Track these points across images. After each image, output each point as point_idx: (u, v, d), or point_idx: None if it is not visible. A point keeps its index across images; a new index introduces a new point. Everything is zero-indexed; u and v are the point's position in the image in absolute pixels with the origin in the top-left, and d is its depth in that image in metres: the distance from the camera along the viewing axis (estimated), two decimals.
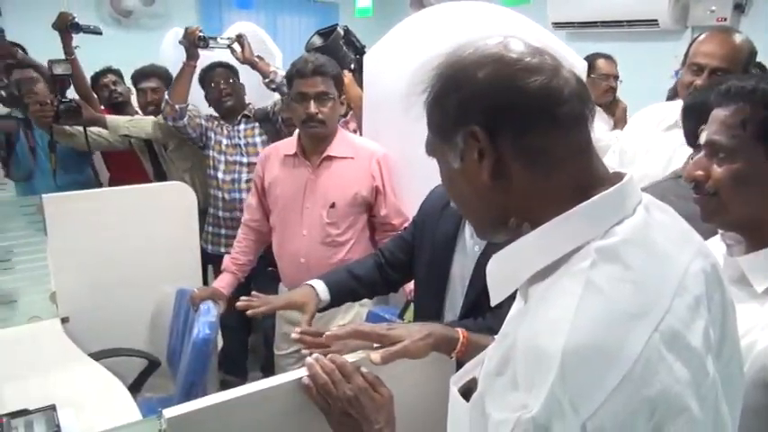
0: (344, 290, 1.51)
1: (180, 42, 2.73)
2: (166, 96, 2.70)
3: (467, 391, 0.75)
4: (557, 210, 0.64)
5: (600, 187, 0.65)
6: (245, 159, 2.70)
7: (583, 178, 0.66)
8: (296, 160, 2.02)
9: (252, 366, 3.20)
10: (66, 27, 2.77)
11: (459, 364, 1.12)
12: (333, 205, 1.96)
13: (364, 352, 1.04)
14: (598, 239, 0.62)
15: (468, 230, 1.38)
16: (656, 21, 4.05)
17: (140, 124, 2.91)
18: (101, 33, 2.93)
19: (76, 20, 2.78)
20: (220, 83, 2.75)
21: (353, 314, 2.00)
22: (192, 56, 2.68)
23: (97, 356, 1.99)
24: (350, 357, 1.03)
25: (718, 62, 1.82)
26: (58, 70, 2.61)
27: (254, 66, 2.67)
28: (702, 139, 0.97)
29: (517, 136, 0.65)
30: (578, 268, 0.60)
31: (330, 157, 1.98)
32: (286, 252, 2.06)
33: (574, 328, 0.56)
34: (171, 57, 3.37)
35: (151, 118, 2.93)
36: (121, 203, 2.27)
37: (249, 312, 1.37)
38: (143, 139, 2.98)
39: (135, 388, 2.11)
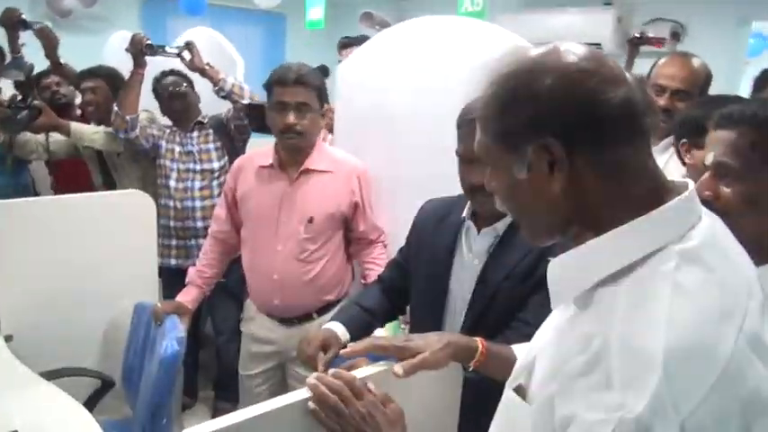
0: (362, 326, 1.44)
1: (126, 50, 2.62)
2: (116, 108, 2.58)
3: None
4: (627, 218, 0.65)
5: (667, 193, 0.66)
6: (197, 167, 2.63)
7: (654, 187, 0.67)
8: (272, 172, 1.94)
9: (203, 384, 3.07)
10: (12, 24, 2.61)
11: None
12: (311, 220, 1.89)
13: (385, 364, 1.00)
14: (677, 243, 0.63)
15: (465, 244, 1.36)
16: (599, 44, 4.24)
17: (105, 138, 2.73)
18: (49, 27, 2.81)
19: (23, 16, 2.62)
20: (169, 89, 2.67)
21: None
22: (139, 64, 2.58)
23: (47, 377, 1.84)
24: (356, 373, 0.99)
25: (678, 84, 2.00)
26: (11, 77, 2.47)
27: (203, 73, 2.60)
28: (709, 160, 1.00)
29: (597, 150, 0.65)
30: (663, 270, 0.61)
31: (309, 170, 1.91)
32: (258, 267, 1.97)
33: (670, 328, 0.57)
34: (115, 61, 3.25)
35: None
36: (73, 212, 2.13)
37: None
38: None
39: (87, 409, 1.97)
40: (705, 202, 0.98)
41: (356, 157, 2.01)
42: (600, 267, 0.65)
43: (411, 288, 1.49)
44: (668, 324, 0.57)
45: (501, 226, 1.31)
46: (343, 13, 5.68)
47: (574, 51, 0.67)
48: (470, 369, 1.06)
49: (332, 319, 1.42)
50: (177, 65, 2.71)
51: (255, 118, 2.45)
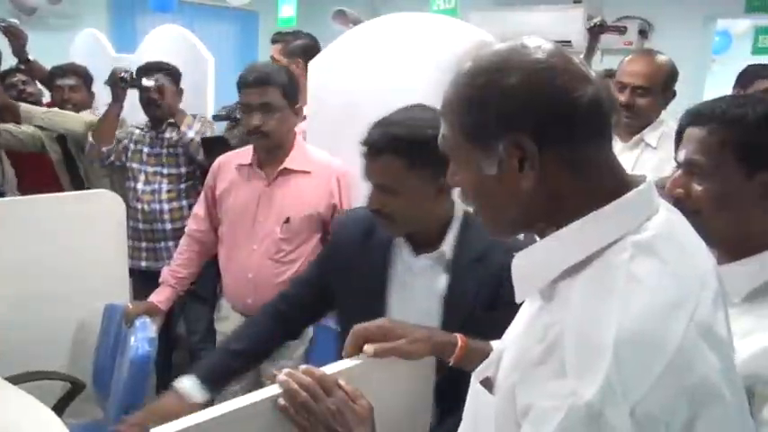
0: (224, 374, 1.30)
1: (105, 83, 2.60)
2: (91, 138, 2.58)
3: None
4: (589, 212, 0.66)
5: (629, 188, 0.67)
6: (165, 170, 2.59)
7: (616, 182, 0.68)
8: (250, 171, 1.93)
9: None
10: None
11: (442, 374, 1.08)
12: (287, 220, 1.87)
13: (356, 359, 1.00)
14: (632, 234, 0.64)
15: (400, 263, 1.29)
16: (569, 42, 4.30)
17: (58, 118, 2.70)
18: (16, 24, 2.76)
19: None
20: (146, 96, 2.61)
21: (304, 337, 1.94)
22: (116, 97, 2.54)
23: (14, 381, 1.80)
24: (326, 368, 0.99)
25: (639, 80, 2.04)
26: None
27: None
28: (680, 157, 1.01)
29: (567, 147, 0.66)
30: (618, 261, 0.63)
31: (287, 170, 1.90)
32: (233, 266, 1.96)
33: (623, 317, 0.59)
34: (82, 60, 3.21)
35: (74, 115, 2.74)
36: (40, 212, 2.08)
37: None
38: (58, 142, 2.79)
39: (56, 413, 1.93)
40: (676, 200, 1.00)
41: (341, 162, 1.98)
42: (561, 260, 0.67)
43: (339, 311, 1.40)
44: (620, 313, 0.59)
45: (447, 251, 1.25)
46: (315, 11, 5.66)
47: (540, 47, 0.67)
48: (450, 364, 1.05)
49: (185, 376, 1.27)
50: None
51: (212, 151, 2.38)
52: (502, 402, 0.67)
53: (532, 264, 0.71)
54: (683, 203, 0.99)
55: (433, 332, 1.06)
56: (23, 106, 2.71)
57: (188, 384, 1.25)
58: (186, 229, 2.11)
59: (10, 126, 2.74)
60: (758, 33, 4.54)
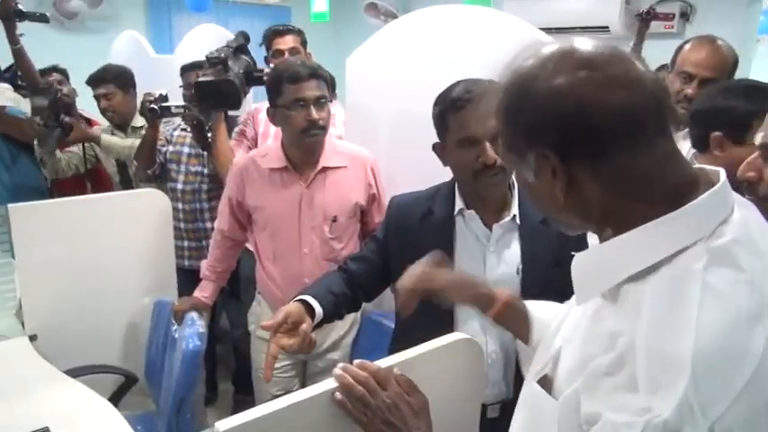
0: (330, 313, 1.36)
1: (139, 113, 2.64)
2: (135, 162, 2.68)
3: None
4: (644, 216, 0.64)
5: (695, 187, 0.64)
6: (206, 171, 2.60)
7: (672, 184, 0.65)
8: (285, 175, 1.86)
9: (222, 378, 3.11)
10: (9, 14, 2.64)
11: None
12: (335, 219, 1.85)
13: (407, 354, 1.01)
14: (707, 239, 0.61)
15: (469, 235, 1.35)
16: (607, 27, 4.22)
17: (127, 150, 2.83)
18: (47, 21, 2.84)
19: (20, 6, 2.66)
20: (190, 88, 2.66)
21: (350, 321, 1.96)
22: (151, 124, 2.53)
23: (73, 374, 1.88)
24: (381, 362, 1.00)
25: (708, 72, 1.90)
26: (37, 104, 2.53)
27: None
28: (758, 140, 0.98)
29: (593, 158, 0.64)
30: (692, 269, 0.60)
31: (324, 169, 1.86)
32: (285, 275, 1.89)
33: (700, 331, 0.56)
34: (123, 61, 3.27)
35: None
36: (91, 212, 2.16)
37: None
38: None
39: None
40: (748, 183, 0.97)
41: (367, 149, 1.98)
42: (625, 265, 0.64)
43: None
44: (697, 327, 0.56)
45: (515, 211, 1.33)
46: (347, 5, 5.67)
47: (577, 54, 0.65)
48: (489, 316, 1.07)
49: (304, 293, 1.35)
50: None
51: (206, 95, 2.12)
52: (564, 407, 0.66)
53: (594, 266, 0.69)
54: (755, 187, 0.97)
55: (476, 280, 1.08)
56: (104, 138, 2.84)
57: (310, 299, 1.32)
58: (216, 225, 2.08)
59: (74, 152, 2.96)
60: None
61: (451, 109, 1.29)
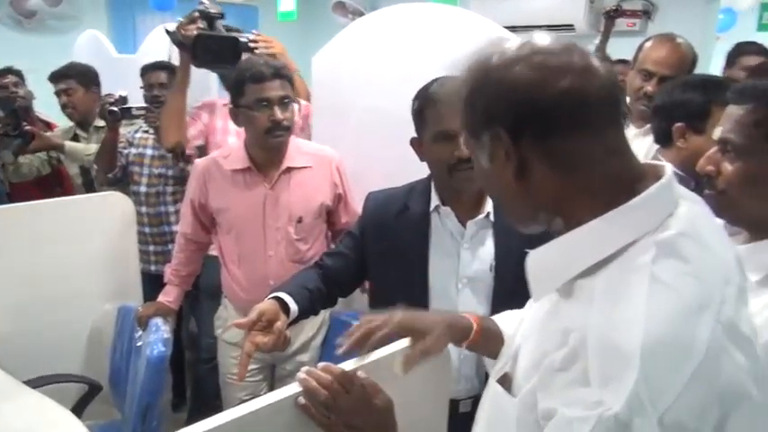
0: (305, 309, 1.36)
1: (98, 116, 2.61)
2: (95, 165, 2.61)
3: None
4: (591, 207, 0.65)
5: (643, 181, 0.66)
6: (170, 172, 2.56)
7: (618, 177, 0.66)
8: (248, 176, 1.83)
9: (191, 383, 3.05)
10: None
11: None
12: (300, 220, 1.83)
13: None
14: (654, 233, 0.63)
15: (443, 232, 1.37)
16: (572, 26, 4.27)
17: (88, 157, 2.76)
18: None
19: None
20: (155, 87, 2.61)
21: (319, 323, 1.94)
22: (110, 127, 2.49)
23: (33, 385, 1.82)
24: (345, 365, 0.99)
25: (668, 70, 1.95)
26: None
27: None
28: (716, 134, 1.00)
29: (541, 140, 0.66)
30: (640, 263, 0.61)
31: (289, 169, 1.83)
32: (250, 277, 1.87)
33: (648, 323, 0.57)
34: (84, 61, 3.19)
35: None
36: (52, 216, 2.09)
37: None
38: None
39: (75, 415, 1.95)
40: (708, 177, 0.99)
41: (335, 148, 1.96)
42: (577, 261, 0.66)
43: (377, 285, 1.47)
44: (645, 319, 0.58)
45: (491, 213, 1.34)
46: (315, 4, 5.64)
47: (534, 43, 0.68)
48: (464, 347, 1.05)
49: (278, 290, 1.34)
50: None
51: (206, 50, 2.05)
52: (522, 404, 0.67)
53: (549, 262, 0.70)
54: (713, 182, 0.98)
55: (451, 320, 1.04)
56: (68, 145, 2.77)
57: (285, 296, 1.31)
58: (179, 229, 2.04)
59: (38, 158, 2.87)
60: (763, 9, 4.48)
61: (428, 104, 1.31)
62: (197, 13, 2.04)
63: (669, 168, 0.68)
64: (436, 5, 2.04)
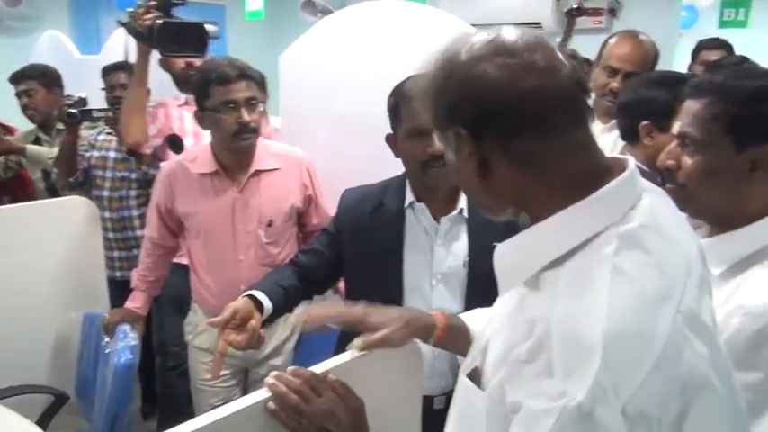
0: (280, 306, 1.37)
1: (56, 118, 2.53)
2: (55, 169, 2.53)
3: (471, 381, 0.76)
4: (555, 202, 0.66)
5: (608, 176, 0.66)
6: (133, 175, 2.50)
7: (582, 173, 0.66)
8: (216, 180, 1.78)
9: None
10: None
11: None
12: (270, 223, 1.80)
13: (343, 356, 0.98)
14: (617, 225, 0.63)
15: (417, 228, 1.37)
16: (539, 23, 4.30)
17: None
18: None
19: None
20: (116, 88, 2.54)
21: (292, 326, 1.91)
22: (69, 131, 2.42)
23: None
24: (315, 368, 0.98)
25: (631, 66, 1.99)
26: None
27: None
28: (675, 129, 1.01)
29: (503, 139, 0.66)
30: (603, 254, 0.62)
31: (257, 172, 1.79)
32: (220, 283, 1.83)
33: (610, 314, 0.58)
34: (46, 62, 3.11)
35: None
36: (13, 223, 2.02)
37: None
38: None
39: (41, 427, 1.90)
40: (668, 172, 1.00)
41: (303, 149, 1.93)
42: (543, 253, 0.66)
43: (352, 282, 1.47)
44: (607, 310, 0.58)
45: (465, 209, 1.35)
46: (283, 3, 5.59)
47: (499, 40, 0.67)
48: (431, 344, 1.05)
49: (252, 288, 1.35)
50: None
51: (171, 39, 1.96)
52: (492, 397, 0.67)
53: (515, 256, 0.71)
54: (674, 176, 0.99)
55: (413, 315, 1.04)
56: (30, 149, 2.71)
57: (259, 294, 1.31)
58: (146, 233, 1.99)
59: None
60: (723, 6, 4.58)
61: (402, 101, 1.32)
62: (153, 1, 1.97)
63: (632, 162, 0.68)
64: (404, 3, 2.05)
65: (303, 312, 1.03)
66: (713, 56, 2.86)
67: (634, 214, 0.64)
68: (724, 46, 2.96)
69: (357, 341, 0.97)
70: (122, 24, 2.04)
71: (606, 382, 0.55)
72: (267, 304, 1.31)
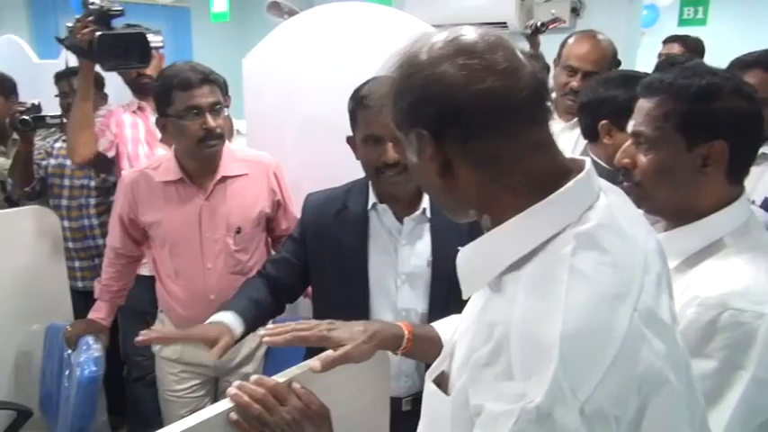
0: (252, 321, 1.36)
1: (9, 125, 2.45)
2: (10, 180, 2.48)
3: (438, 386, 0.76)
4: (515, 204, 0.66)
5: (568, 177, 0.66)
6: (92, 183, 2.44)
7: (541, 173, 0.66)
8: (181, 188, 1.73)
9: None
10: None
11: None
12: (239, 230, 1.76)
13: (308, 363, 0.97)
14: (574, 225, 0.63)
15: (382, 229, 1.37)
16: (505, 23, 4.34)
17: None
18: None
19: None
20: (69, 94, 2.46)
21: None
22: (23, 139, 2.35)
23: None
24: (278, 376, 0.96)
25: (590, 65, 2.04)
26: None
27: None
28: (629, 128, 1.03)
29: (463, 140, 0.66)
30: (560, 255, 0.62)
31: (224, 178, 1.75)
32: (188, 292, 1.78)
33: (567, 314, 0.58)
34: (2, 68, 3.02)
35: None
36: None
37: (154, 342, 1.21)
38: None
39: None
40: (624, 170, 1.02)
41: (268, 153, 1.90)
42: (504, 255, 0.66)
43: (318, 285, 1.46)
44: (564, 310, 0.58)
45: (427, 209, 1.35)
46: (249, 4, 5.53)
47: (459, 41, 0.66)
48: (399, 354, 1.05)
49: (221, 309, 1.33)
50: None
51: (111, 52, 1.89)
52: (456, 402, 0.66)
53: (476, 260, 0.70)
54: (630, 174, 1.01)
55: (378, 327, 1.03)
56: None
57: (230, 318, 1.29)
58: (108, 242, 1.93)
59: None
60: (683, 5, 4.68)
61: (359, 106, 1.31)
62: (90, 17, 1.89)
63: (589, 163, 0.69)
64: (369, 5, 2.03)
65: (266, 335, 1.00)
66: (674, 50, 2.97)
67: (591, 214, 0.64)
68: (681, 40, 3.07)
69: (315, 361, 0.95)
70: (60, 41, 1.97)
71: (564, 383, 0.56)
72: (238, 332, 1.29)
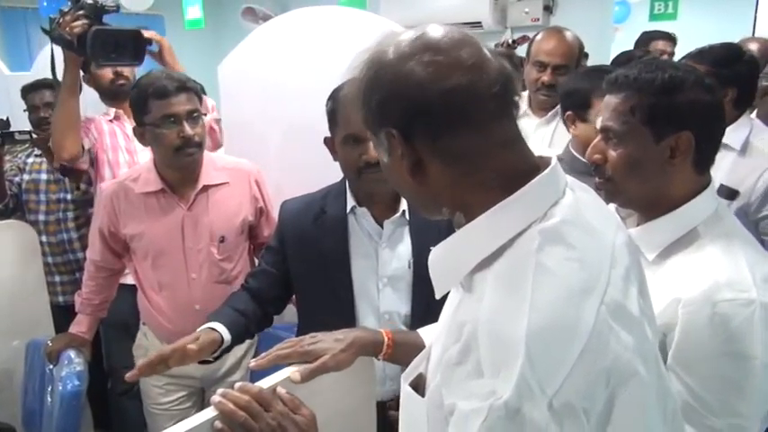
0: (240, 331, 1.35)
1: None
2: None
3: (415, 388, 0.76)
4: (486, 201, 0.66)
5: (534, 173, 0.66)
6: (69, 197, 2.40)
7: (511, 169, 0.67)
8: (162, 198, 1.71)
9: None
10: None
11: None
12: (222, 239, 1.74)
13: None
14: (539, 222, 0.64)
15: (361, 232, 1.37)
16: (479, 23, 4.38)
17: None
18: None
19: None
20: (40, 108, 2.42)
21: (248, 342, 1.87)
22: None
23: None
24: (262, 382, 0.96)
25: (558, 59, 2.09)
26: None
27: None
28: (598, 124, 1.04)
29: (432, 138, 0.66)
30: (526, 251, 0.62)
31: (205, 187, 1.73)
32: (172, 304, 1.76)
33: (533, 310, 0.58)
34: None
35: None
36: None
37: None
38: None
39: None
40: (596, 166, 1.03)
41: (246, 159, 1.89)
42: (473, 254, 0.66)
43: (302, 291, 1.46)
44: (530, 306, 0.58)
45: (406, 211, 1.35)
46: (224, 11, 5.51)
47: (425, 38, 0.67)
48: (380, 360, 1.05)
49: (210, 319, 1.31)
50: None
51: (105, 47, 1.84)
52: (431, 402, 0.67)
53: (447, 259, 0.71)
54: (601, 170, 1.02)
55: (356, 335, 1.04)
56: None
57: (218, 325, 1.28)
58: (87, 255, 1.91)
59: None
60: (654, 1, 4.77)
61: (338, 106, 1.31)
62: (81, 10, 1.84)
63: (554, 159, 0.69)
64: (344, 9, 2.04)
65: (253, 364, 1.02)
66: (661, 46, 3.03)
67: (556, 210, 0.65)
68: (672, 38, 3.14)
69: (295, 373, 0.95)
70: (46, 32, 1.90)
71: (531, 378, 0.56)
72: (227, 337, 1.28)
